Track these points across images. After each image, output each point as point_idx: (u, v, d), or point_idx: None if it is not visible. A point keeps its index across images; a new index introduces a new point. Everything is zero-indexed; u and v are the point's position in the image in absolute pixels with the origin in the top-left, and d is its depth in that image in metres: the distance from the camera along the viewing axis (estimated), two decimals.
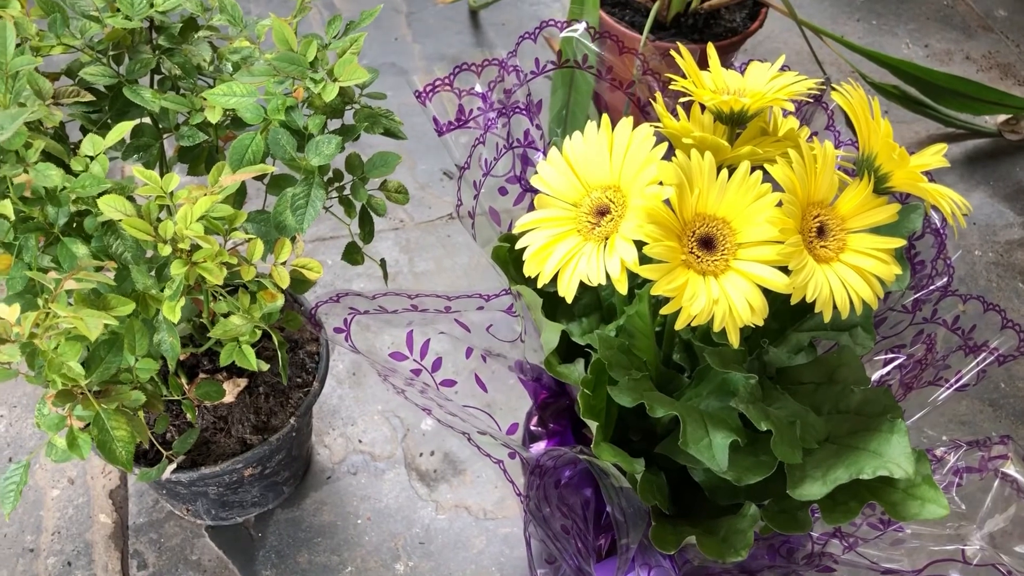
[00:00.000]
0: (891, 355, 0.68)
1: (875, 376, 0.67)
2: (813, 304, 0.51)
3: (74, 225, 0.61)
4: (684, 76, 0.59)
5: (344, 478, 0.92)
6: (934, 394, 0.65)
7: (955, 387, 0.64)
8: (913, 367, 0.67)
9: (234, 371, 0.79)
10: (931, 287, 0.64)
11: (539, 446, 0.70)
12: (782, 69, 0.60)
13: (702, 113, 0.60)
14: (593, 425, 0.56)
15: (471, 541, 0.88)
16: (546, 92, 0.95)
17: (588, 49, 0.72)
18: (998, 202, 1.26)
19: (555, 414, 0.72)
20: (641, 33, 1.13)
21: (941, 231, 0.65)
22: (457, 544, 0.88)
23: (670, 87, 0.58)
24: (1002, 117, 1.34)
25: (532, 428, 0.73)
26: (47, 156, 0.60)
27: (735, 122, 0.58)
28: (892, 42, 1.49)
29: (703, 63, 0.61)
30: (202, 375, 0.79)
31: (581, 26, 0.71)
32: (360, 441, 0.95)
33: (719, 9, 1.19)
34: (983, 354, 0.64)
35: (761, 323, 0.52)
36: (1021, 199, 1.26)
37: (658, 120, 0.59)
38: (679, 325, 0.51)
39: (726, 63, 1.27)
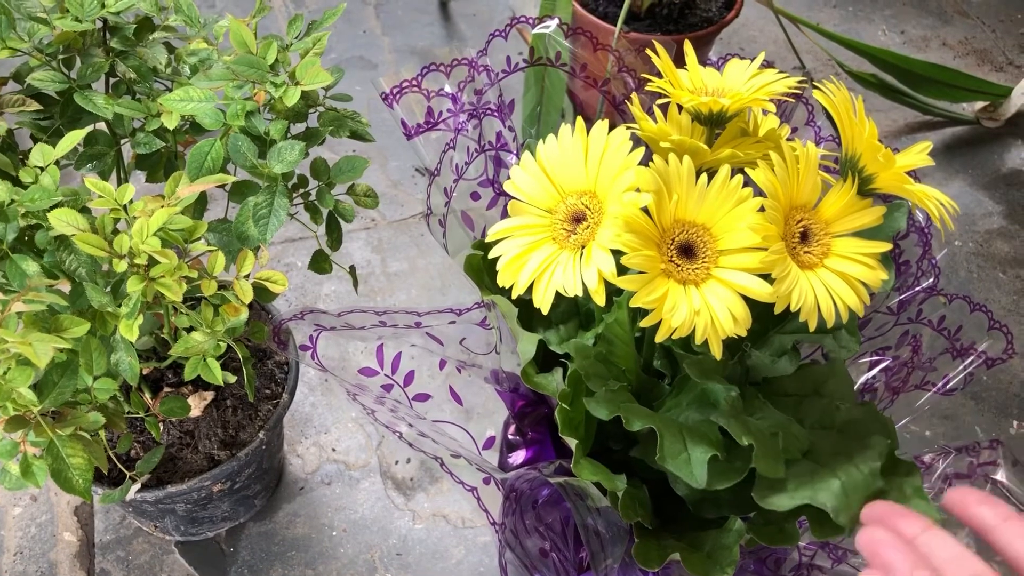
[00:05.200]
0: (876, 358, 0.66)
1: (860, 380, 0.65)
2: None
3: (25, 239, 0.58)
4: (660, 74, 0.56)
5: (318, 488, 0.89)
6: (921, 398, 0.64)
7: (942, 391, 0.62)
8: (899, 369, 0.65)
9: (200, 384, 0.76)
10: (917, 288, 0.63)
11: (519, 455, 0.68)
12: (762, 65, 0.58)
13: (679, 113, 0.58)
14: (573, 443, 0.54)
15: (449, 551, 0.86)
16: (518, 89, 0.93)
17: (561, 46, 0.69)
18: (977, 191, 1.24)
19: (533, 422, 0.70)
20: (615, 24, 1.10)
21: (926, 230, 0.63)
22: (435, 554, 0.86)
23: (647, 87, 0.56)
24: (980, 104, 1.33)
25: (510, 437, 0.70)
26: None
27: (714, 123, 0.56)
28: (868, 29, 1.47)
29: (679, 57, 0.59)
30: (167, 389, 0.76)
31: (553, 22, 0.69)
32: (334, 450, 0.92)
33: None
34: (970, 357, 0.62)
35: (744, 334, 0.50)
36: (1000, 187, 1.25)
37: (634, 120, 0.57)
38: (660, 337, 0.49)
39: (702, 53, 1.25)
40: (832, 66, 1.34)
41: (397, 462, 0.92)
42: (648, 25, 1.15)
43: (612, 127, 0.53)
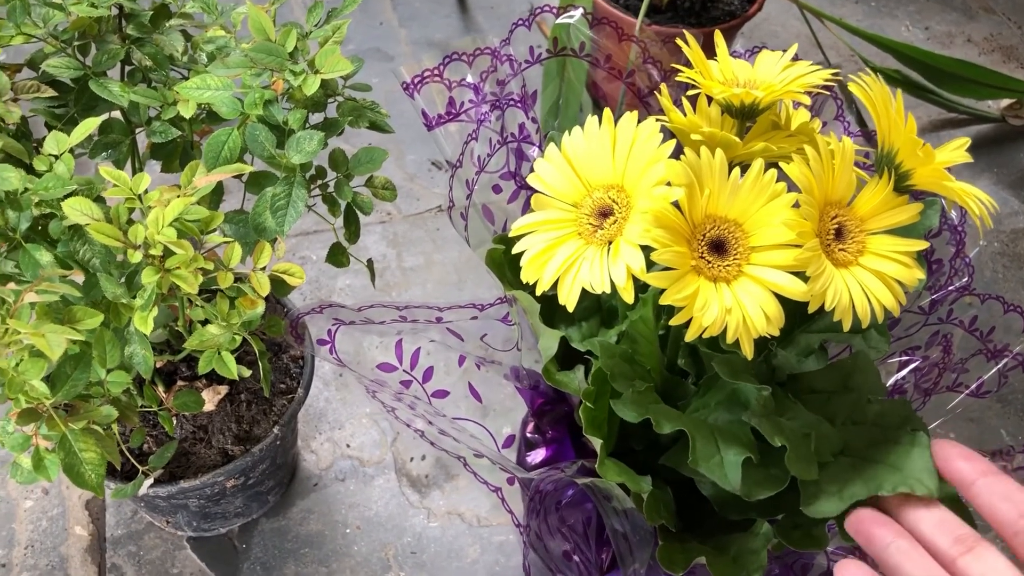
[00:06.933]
0: (906, 358, 0.65)
1: (890, 381, 0.64)
2: (822, 305, 0.48)
3: (39, 228, 0.57)
4: (688, 65, 0.55)
5: (332, 485, 0.88)
6: (952, 400, 0.62)
7: (976, 394, 0.61)
8: (929, 370, 0.64)
9: (214, 378, 0.75)
10: (950, 287, 0.61)
11: (537, 454, 0.67)
12: (793, 58, 0.57)
13: (708, 105, 0.57)
14: (597, 444, 0.52)
15: (465, 550, 0.85)
16: (538, 82, 0.91)
17: (585, 36, 0.68)
18: (1003, 189, 1.22)
19: (553, 421, 0.68)
20: (636, 16, 1.09)
21: (960, 229, 0.62)
22: (450, 553, 0.84)
23: (676, 78, 0.54)
24: (1005, 102, 1.30)
25: (528, 435, 0.69)
26: (7, 156, 0.56)
27: (745, 115, 0.55)
28: (892, 24, 1.45)
29: (704, 49, 0.57)
30: (180, 382, 0.75)
31: (578, 12, 0.67)
32: (348, 446, 0.91)
33: None
34: (1005, 359, 0.60)
35: (777, 333, 0.48)
36: None
37: (661, 112, 0.55)
38: (690, 336, 0.48)
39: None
40: (855, 62, 1.32)
41: (412, 459, 0.90)
42: (670, 18, 1.13)
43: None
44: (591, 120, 0.53)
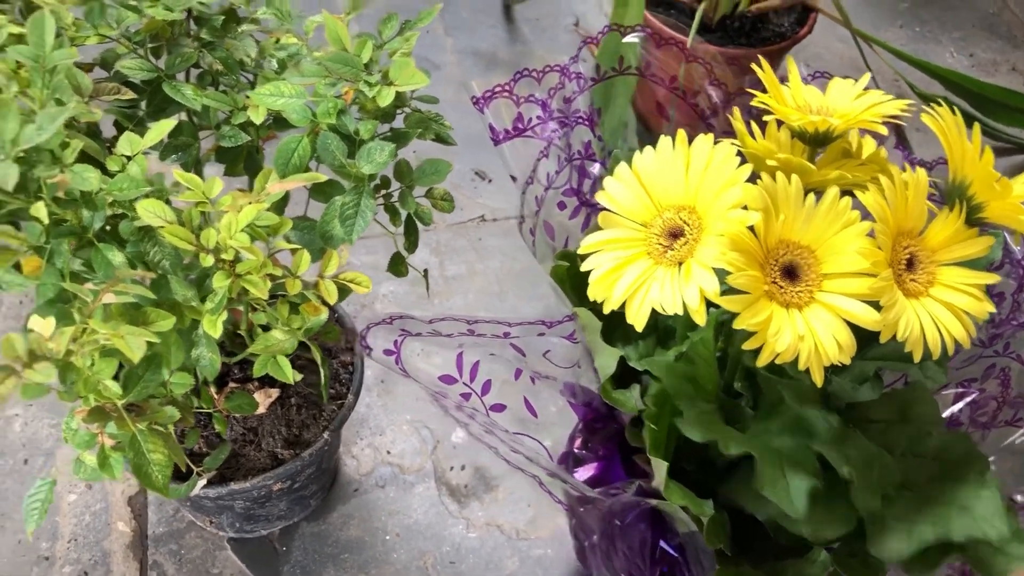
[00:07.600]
0: (961, 390, 0.64)
1: (945, 413, 0.64)
2: (878, 332, 0.47)
3: (108, 229, 0.58)
4: (754, 87, 0.55)
5: (372, 491, 0.88)
6: (1010, 436, 0.62)
7: None
8: (986, 404, 0.63)
9: (266, 381, 0.76)
10: (1013, 321, 0.61)
11: (586, 470, 0.67)
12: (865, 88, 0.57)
13: (778, 130, 0.57)
14: (661, 467, 0.52)
15: (503, 562, 0.85)
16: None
17: (648, 56, 0.68)
18: None
19: (604, 439, 0.68)
20: (686, 35, 1.09)
21: (1023, 263, 0.61)
22: (488, 565, 0.84)
23: (751, 103, 0.54)
24: None
25: (576, 451, 0.69)
26: (83, 155, 0.56)
27: (818, 142, 0.55)
28: (936, 50, 1.45)
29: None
30: (232, 384, 0.75)
31: (643, 33, 0.68)
32: (389, 452, 0.91)
33: (767, 13, 1.15)
34: None
35: (848, 361, 0.48)
36: None
37: (723, 134, 0.55)
38: (762, 361, 0.48)
39: (773, 69, 1.23)
40: (899, 86, 1.32)
41: (452, 468, 0.91)
42: (719, 37, 1.13)
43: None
44: (664, 140, 0.53)
